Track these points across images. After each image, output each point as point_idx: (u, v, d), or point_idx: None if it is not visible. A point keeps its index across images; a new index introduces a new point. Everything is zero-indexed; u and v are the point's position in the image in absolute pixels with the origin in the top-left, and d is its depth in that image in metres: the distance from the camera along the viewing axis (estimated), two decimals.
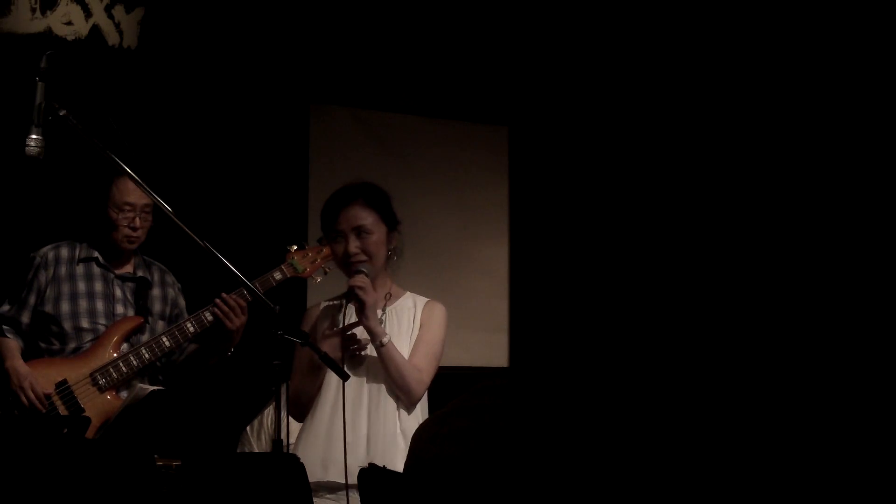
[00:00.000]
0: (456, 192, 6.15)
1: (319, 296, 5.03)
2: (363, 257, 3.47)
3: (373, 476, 2.04)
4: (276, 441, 3.14)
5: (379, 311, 3.49)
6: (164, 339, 3.95)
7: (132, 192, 3.97)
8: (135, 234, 4.04)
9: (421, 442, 1.71)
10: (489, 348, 6.14)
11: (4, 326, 4.00)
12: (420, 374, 3.44)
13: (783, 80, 5.15)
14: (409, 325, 3.53)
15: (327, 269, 4.07)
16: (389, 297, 3.55)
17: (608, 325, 5.58)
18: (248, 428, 4.80)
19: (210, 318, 3.96)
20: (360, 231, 3.46)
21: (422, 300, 3.58)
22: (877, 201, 4.59)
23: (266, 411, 4.69)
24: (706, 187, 5.49)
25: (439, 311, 3.56)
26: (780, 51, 5.15)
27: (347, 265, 3.49)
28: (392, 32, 5.85)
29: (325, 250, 3.98)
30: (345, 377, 3.29)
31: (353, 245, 3.46)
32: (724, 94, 5.44)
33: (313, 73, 5.72)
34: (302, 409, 3.50)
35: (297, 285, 4.50)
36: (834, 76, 4.89)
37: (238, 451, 4.69)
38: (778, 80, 5.16)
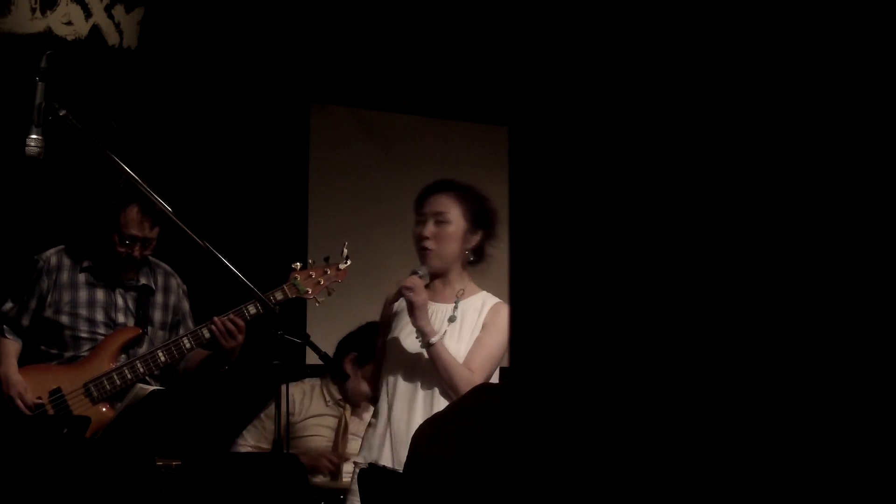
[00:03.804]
0: None
1: (318, 311, 5.04)
2: (432, 245, 3.53)
3: (373, 476, 2.04)
4: (276, 441, 3.14)
5: (451, 306, 3.55)
6: (161, 353, 3.91)
7: (136, 226, 3.92)
8: (135, 261, 4.01)
9: (420, 442, 1.71)
10: None
11: (5, 326, 3.99)
12: (472, 374, 3.45)
13: (783, 80, 5.16)
14: (472, 323, 3.55)
15: (331, 291, 4.00)
16: (462, 294, 3.58)
17: (609, 325, 5.56)
18: (248, 428, 4.82)
19: (207, 335, 3.91)
20: (438, 218, 3.53)
21: (491, 301, 3.59)
22: (877, 201, 4.59)
23: (266, 411, 4.72)
24: (708, 187, 5.49)
25: (504, 314, 3.55)
26: (780, 51, 5.15)
27: (418, 249, 3.57)
28: (392, 32, 5.85)
29: (331, 271, 3.95)
30: (344, 377, 3.33)
31: (429, 229, 3.53)
32: (725, 93, 5.44)
33: (313, 73, 5.72)
34: (374, 392, 3.67)
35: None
36: (834, 76, 4.89)
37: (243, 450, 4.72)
38: (778, 80, 5.16)
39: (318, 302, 4.00)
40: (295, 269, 3.94)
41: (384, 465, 3.35)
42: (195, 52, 5.30)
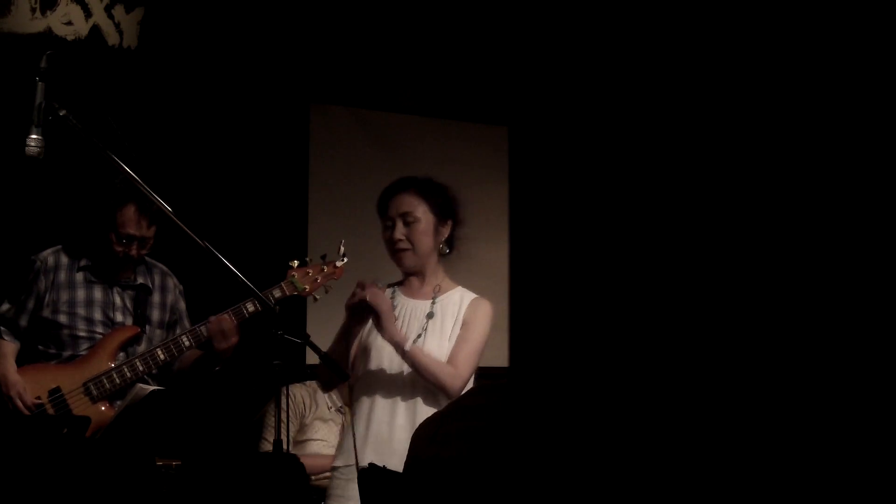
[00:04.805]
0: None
1: (318, 311, 5.05)
2: (406, 245, 3.56)
3: (372, 476, 2.04)
4: (276, 441, 3.15)
5: (429, 304, 3.56)
6: (160, 352, 3.93)
7: (133, 225, 3.93)
8: (132, 260, 4.02)
9: (420, 442, 1.71)
10: (489, 348, 6.14)
11: (2, 327, 3.99)
12: (456, 370, 3.46)
13: (783, 80, 5.15)
14: (452, 320, 3.57)
15: (328, 288, 4.04)
16: (439, 290, 3.60)
17: (608, 325, 5.57)
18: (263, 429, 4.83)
19: (206, 333, 3.94)
20: (406, 218, 3.54)
21: (469, 297, 3.61)
22: (877, 201, 4.60)
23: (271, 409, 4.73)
24: (706, 187, 5.49)
25: (484, 309, 3.59)
26: (780, 51, 5.15)
27: (392, 252, 3.58)
28: (392, 32, 5.85)
29: (328, 269, 4.00)
30: (344, 377, 3.33)
31: (399, 231, 3.55)
32: (724, 93, 5.44)
33: (313, 73, 5.72)
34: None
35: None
36: (834, 76, 4.89)
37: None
38: (778, 80, 5.16)
39: (316, 299, 4.05)
40: (292, 267, 3.99)
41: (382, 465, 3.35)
42: (195, 53, 5.31)
